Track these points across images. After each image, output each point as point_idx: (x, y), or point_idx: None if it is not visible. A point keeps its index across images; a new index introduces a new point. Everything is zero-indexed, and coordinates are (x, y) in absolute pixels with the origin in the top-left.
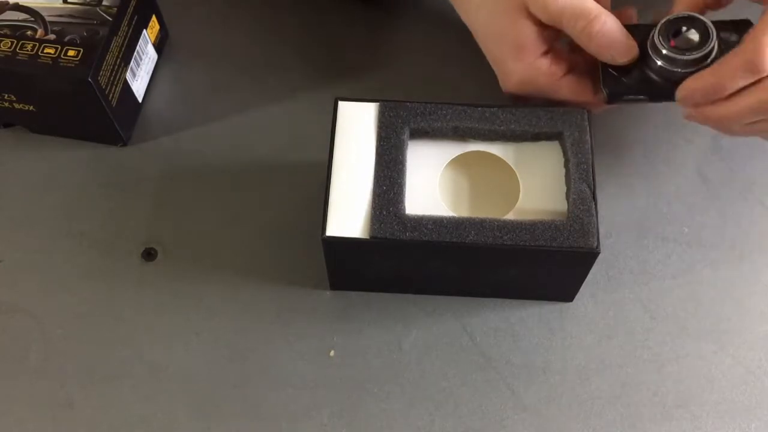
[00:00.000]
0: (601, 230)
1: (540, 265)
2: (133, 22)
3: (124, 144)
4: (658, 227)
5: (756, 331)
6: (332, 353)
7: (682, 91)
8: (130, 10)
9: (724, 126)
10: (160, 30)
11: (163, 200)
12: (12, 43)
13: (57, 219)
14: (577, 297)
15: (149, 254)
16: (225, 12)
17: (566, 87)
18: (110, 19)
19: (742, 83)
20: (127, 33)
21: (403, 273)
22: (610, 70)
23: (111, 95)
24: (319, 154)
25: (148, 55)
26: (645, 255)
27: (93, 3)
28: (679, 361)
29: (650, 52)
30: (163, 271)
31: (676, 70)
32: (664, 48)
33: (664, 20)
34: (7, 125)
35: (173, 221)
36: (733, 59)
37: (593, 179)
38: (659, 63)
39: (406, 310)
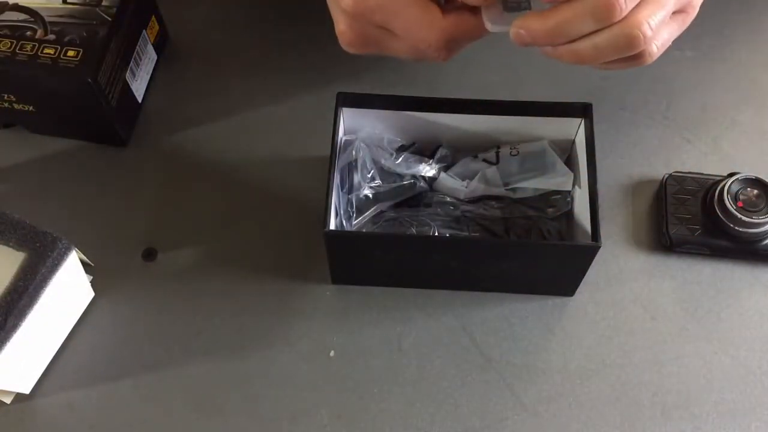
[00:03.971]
0: (602, 230)
1: (541, 258)
2: (133, 23)
3: (124, 144)
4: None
5: (756, 331)
6: (332, 353)
7: (517, 27)
8: (130, 10)
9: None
10: (160, 30)
11: (163, 200)
12: (12, 43)
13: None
14: (577, 296)
15: (149, 254)
16: (225, 12)
17: (410, 7)
18: (110, 19)
19: (587, 29)
20: (126, 33)
21: (405, 267)
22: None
23: (111, 95)
24: (319, 152)
25: (148, 55)
26: (645, 255)
27: (93, 3)
28: (679, 361)
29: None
30: (163, 271)
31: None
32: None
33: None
34: (7, 125)
35: (173, 221)
36: (579, 4)
37: (594, 177)
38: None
39: (406, 310)
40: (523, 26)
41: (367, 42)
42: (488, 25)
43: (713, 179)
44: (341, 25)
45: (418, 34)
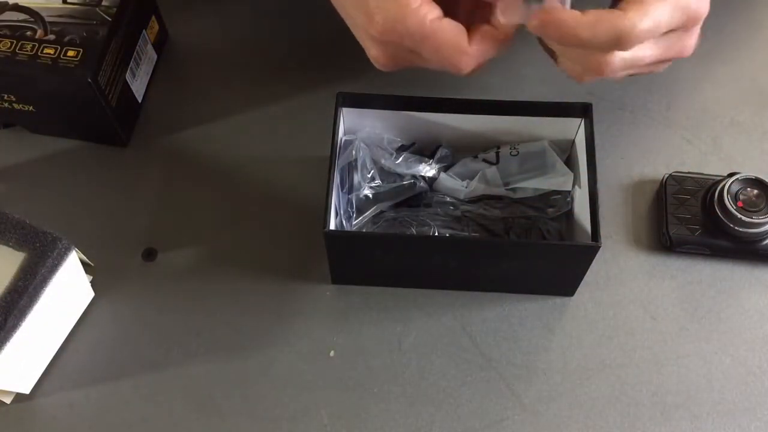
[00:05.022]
0: (602, 230)
1: (541, 258)
2: (133, 22)
3: (124, 144)
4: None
5: (756, 331)
6: (332, 353)
7: (543, 21)
8: (130, 10)
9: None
10: (160, 30)
11: (163, 200)
12: (12, 43)
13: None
14: (577, 296)
15: (149, 254)
16: (225, 12)
17: (438, 33)
18: (110, 19)
19: (605, 47)
20: (126, 33)
21: (405, 267)
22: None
23: (111, 95)
24: (319, 152)
25: (148, 55)
26: (645, 255)
27: (93, 3)
28: (679, 361)
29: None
30: (163, 271)
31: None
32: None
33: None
34: (7, 125)
35: (173, 221)
36: (607, 23)
37: (594, 177)
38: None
39: (406, 310)
40: (550, 21)
41: (399, 63)
42: (501, 18)
43: (713, 179)
44: (372, 51)
45: (448, 59)
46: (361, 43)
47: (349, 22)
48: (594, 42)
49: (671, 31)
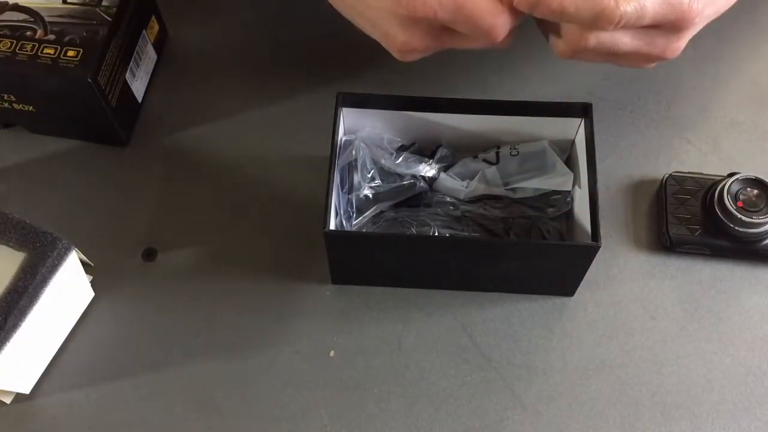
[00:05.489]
0: (602, 230)
1: (541, 258)
2: (133, 22)
3: (124, 144)
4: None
5: (756, 331)
6: (332, 353)
7: None
8: (130, 10)
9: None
10: (160, 30)
11: (163, 200)
12: (12, 43)
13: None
14: (577, 296)
15: (149, 254)
16: (225, 12)
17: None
18: (110, 19)
19: (586, 23)
20: (126, 33)
21: (405, 267)
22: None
23: (111, 95)
24: (318, 152)
25: (148, 55)
26: (645, 255)
27: (93, 3)
28: (679, 361)
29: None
30: (163, 271)
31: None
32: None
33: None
34: (7, 125)
35: (173, 221)
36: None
37: (594, 177)
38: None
39: (406, 310)
40: None
41: (429, 44)
42: None
43: (713, 179)
44: (401, 37)
45: (483, 23)
46: (387, 33)
47: (368, 19)
48: (577, 16)
49: (658, 26)
